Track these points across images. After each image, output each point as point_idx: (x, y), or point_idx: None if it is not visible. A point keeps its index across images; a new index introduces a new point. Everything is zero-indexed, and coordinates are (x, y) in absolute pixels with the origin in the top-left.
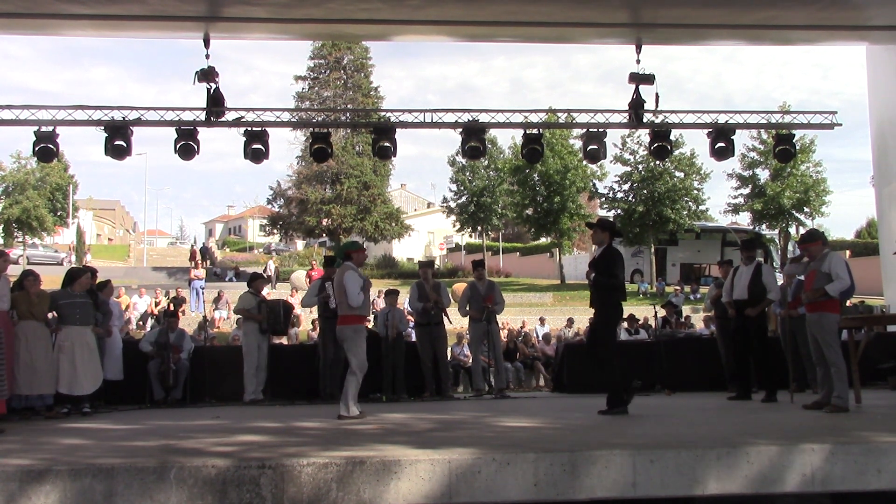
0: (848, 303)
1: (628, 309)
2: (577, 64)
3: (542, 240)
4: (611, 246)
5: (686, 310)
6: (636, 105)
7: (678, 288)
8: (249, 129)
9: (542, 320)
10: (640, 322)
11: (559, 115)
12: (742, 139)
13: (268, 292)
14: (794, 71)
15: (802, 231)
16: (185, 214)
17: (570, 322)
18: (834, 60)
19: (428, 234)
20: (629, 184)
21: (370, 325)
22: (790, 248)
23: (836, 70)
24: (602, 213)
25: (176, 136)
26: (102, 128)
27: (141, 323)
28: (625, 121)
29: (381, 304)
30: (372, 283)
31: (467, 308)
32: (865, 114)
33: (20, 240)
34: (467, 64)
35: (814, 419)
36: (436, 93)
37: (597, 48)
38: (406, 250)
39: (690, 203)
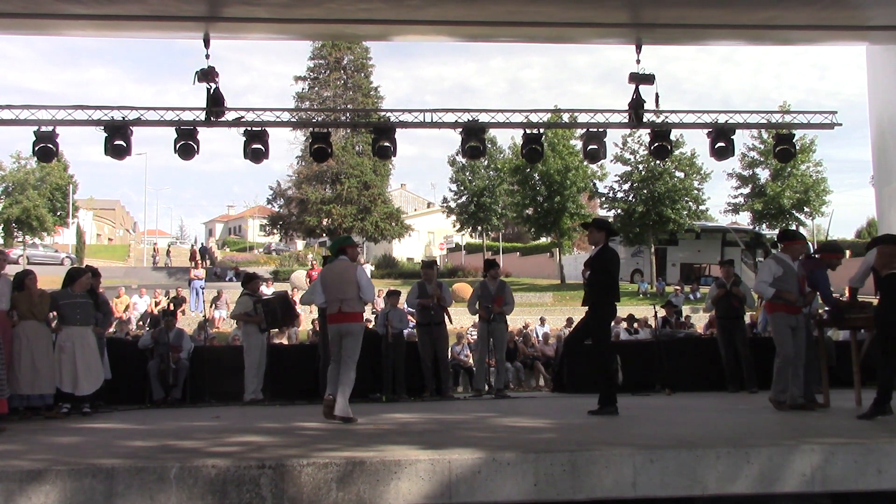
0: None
1: (628, 309)
2: (574, 64)
3: (543, 240)
4: (607, 245)
5: (686, 310)
6: (636, 105)
7: (678, 288)
8: (249, 129)
9: (542, 320)
10: (638, 323)
11: (562, 114)
12: (742, 139)
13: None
14: (792, 71)
15: (807, 232)
16: (185, 214)
17: (570, 322)
18: (831, 61)
19: (428, 234)
20: (629, 184)
21: (371, 325)
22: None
23: (834, 70)
24: (602, 212)
25: (176, 135)
26: (102, 128)
27: (141, 323)
28: (625, 121)
29: (380, 304)
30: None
31: (476, 307)
32: (863, 114)
33: (20, 240)
34: (465, 64)
35: (814, 419)
36: (433, 93)
37: (594, 48)
38: (406, 250)
39: (690, 203)
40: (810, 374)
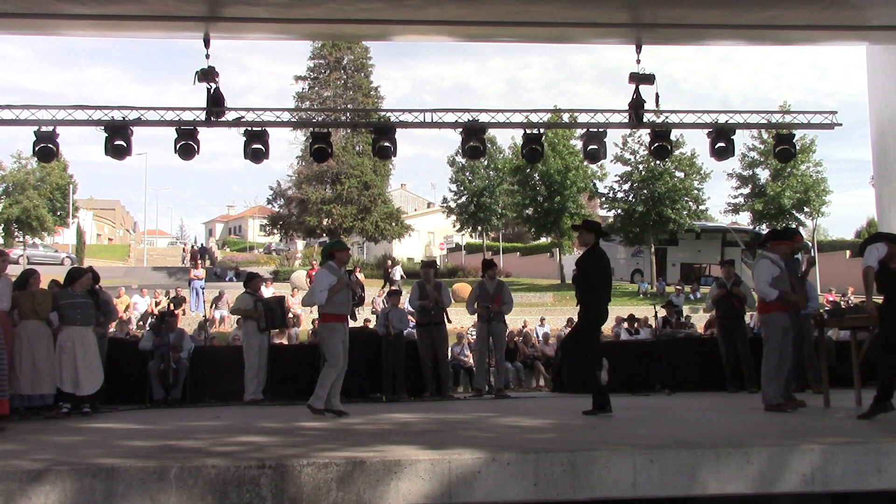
0: (851, 303)
1: (628, 309)
2: (573, 64)
3: (543, 240)
4: (597, 246)
5: (686, 310)
6: (636, 105)
7: (678, 288)
8: (249, 129)
9: (542, 320)
10: (638, 323)
11: (563, 114)
12: (742, 139)
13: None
14: (791, 71)
15: (805, 232)
16: (185, 214)
17: (570, 322)
18: (831, 61)
19: (428, 234)
20: (629, 184)
21: (371, 325)
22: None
23: (833, 70)
24: (602, 212)
25: (176, 136)
26: (102, 128)
27: (141, 323)
28: (625, 121)
29: (381, 304)
30: (363, 283)
31: (475, 307)
32: (862, 114)
33: (20, 240)
34: (463, 65)
35: (814, 419)
36: (432, 93)
37: (593, 48)
38: (406, 250)
39: (690, 203)
40: (807, 372)
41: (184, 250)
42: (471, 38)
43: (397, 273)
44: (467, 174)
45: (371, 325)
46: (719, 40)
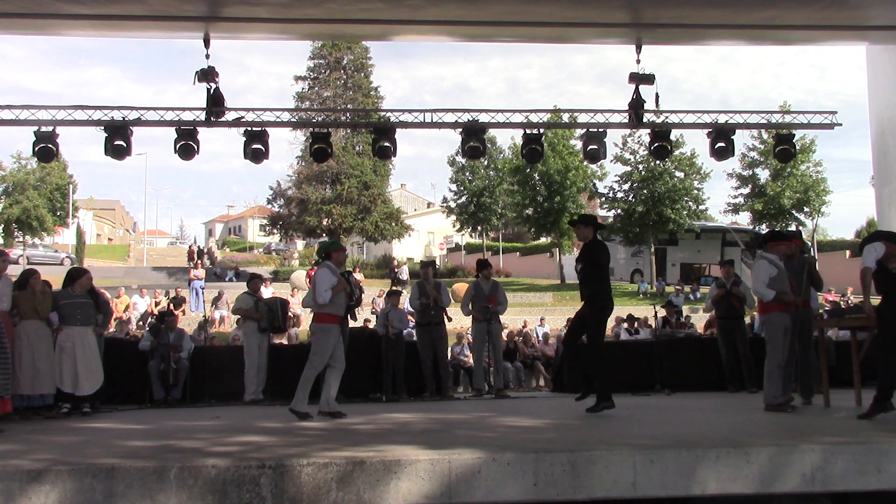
0: (850, 303)
1: (628, 309)
2: (573, 65)
3: (542, 240)
4: (595, 239)
5: (686, 310)
6: (636, 105)
7: (678, 288)
8: (249, 129)
9: (541, 320)
10: (638, 323)
11: (563, 114)
12: (742, 139)
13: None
14: (791, 71)
15: (805, 231)
16: (185, 214)
17: (570, 322)
18: (831, 61)
19: (428, 234)
20: (629, 184)
21: (371, 325)
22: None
23: (833, 71)
24: (602, 212)
25: (176, 136)
26: (102, 128)
27: (141, 323)
28: (625, 121)
29: (381, 304)
30: (361, 284)
31: (470, 307)
32: (863, 114)
33: (20, 240)
34: (463, 65)
35: (814, 419)
36: (432, 93)
37: (593, 48)
38: (406, 250)
39: (690, 203)
40: (807, 373)
41: (189, 250)
42: (471, 38)
43: (404, 273)
44: (467, 174)
45: (371, 325)
46: (719, 40)
